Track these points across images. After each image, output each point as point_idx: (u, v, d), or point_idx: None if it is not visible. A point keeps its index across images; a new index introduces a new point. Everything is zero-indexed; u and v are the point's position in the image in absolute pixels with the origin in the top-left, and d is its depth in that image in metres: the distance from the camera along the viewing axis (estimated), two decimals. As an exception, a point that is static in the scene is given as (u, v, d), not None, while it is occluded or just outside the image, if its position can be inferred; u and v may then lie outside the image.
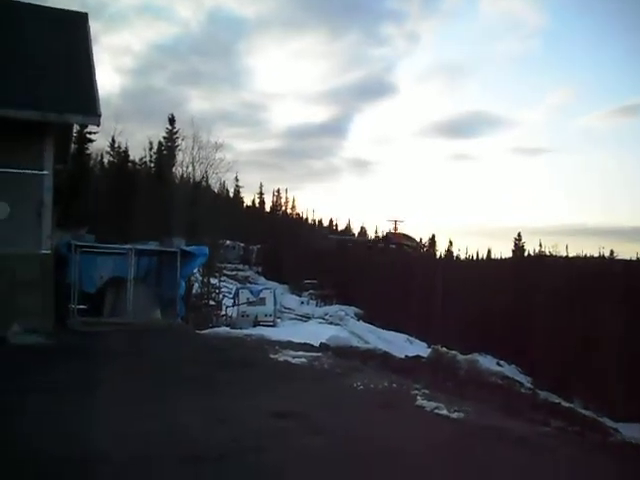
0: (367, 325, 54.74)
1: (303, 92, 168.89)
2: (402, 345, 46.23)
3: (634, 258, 73.97)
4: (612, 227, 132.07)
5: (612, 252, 76.09)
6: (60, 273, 15.83)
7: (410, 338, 53.96)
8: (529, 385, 38.07)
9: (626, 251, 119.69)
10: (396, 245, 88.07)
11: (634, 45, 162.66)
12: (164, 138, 53.07)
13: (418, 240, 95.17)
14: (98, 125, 16.85)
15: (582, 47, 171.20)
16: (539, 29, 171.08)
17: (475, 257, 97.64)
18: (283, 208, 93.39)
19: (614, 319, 52.74)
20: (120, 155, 55.61)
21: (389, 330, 54.16)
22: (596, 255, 78.84)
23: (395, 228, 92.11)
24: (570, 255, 79.71)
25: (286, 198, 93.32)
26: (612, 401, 44.83)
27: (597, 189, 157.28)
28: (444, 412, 9.00)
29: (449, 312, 68.01)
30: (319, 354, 14.73)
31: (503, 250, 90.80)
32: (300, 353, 14.30)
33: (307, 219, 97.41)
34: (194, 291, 41.75)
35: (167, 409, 8.29)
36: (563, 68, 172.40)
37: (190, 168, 48.10)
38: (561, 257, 77.58)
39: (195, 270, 33.01)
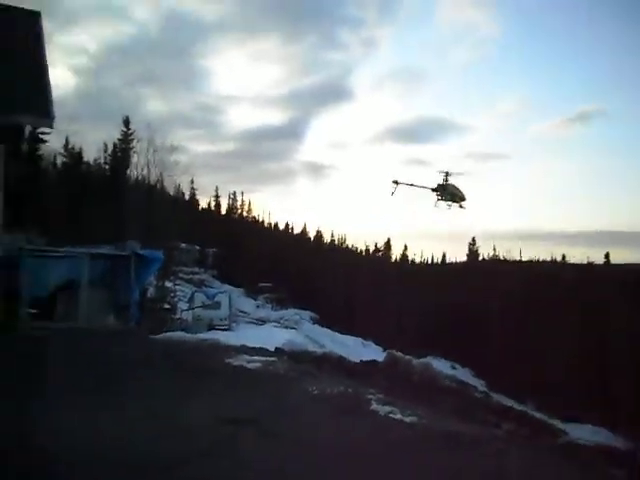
0: (323, 329, 54.77)
1: (260, 95, 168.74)
2: (358, 349, 46.38)
3: (584, 262, 75.47)
4: (564, 232, 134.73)
5: (564, 257, 77.67)
6: (10, 277, 15.50)
7: (366, 342, 54.15)
8: (482, 388, 38.60)
9: (578, 255, 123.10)
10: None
11: (584, 54, 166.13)
12: (119, 140, 52.40)
13: (373, 244, 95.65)
14: (51, 127, 16.48)
15: (534, 56, 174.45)
16: (493, 37, 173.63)
17: (430, 261, 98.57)
18: (239, 211, 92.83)
19: (566, 322, 53.66)
20: (74, 156, 54.74)
21: (345, 334, 54.30)
22: (549, 259, 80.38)
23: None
24: (523, 259, 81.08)
25: (242, 201, 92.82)
26: (564, 403, 45.58)
27: (549, 195, 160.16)
28: (398, 416, 9.05)
29: (405, 316, 68.49)
30: (274, 359, 14.67)
31: (458, 254, 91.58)
32: (255, 358, 14.21)
33: (263, 222, 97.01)
34: (148, 295, 41.24)
35: (115, 416, 8.13)
36: (516, 76, 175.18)
37: (145, 170, 47.51)
38: (515, 261, 78.83)
39: (151, 277, 32.62)
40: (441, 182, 31.00)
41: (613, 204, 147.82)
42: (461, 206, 31.42)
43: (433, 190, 30.99)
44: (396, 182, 31.27)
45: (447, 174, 31.01)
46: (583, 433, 35.80)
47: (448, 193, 30.95)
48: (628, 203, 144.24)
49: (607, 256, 66.98)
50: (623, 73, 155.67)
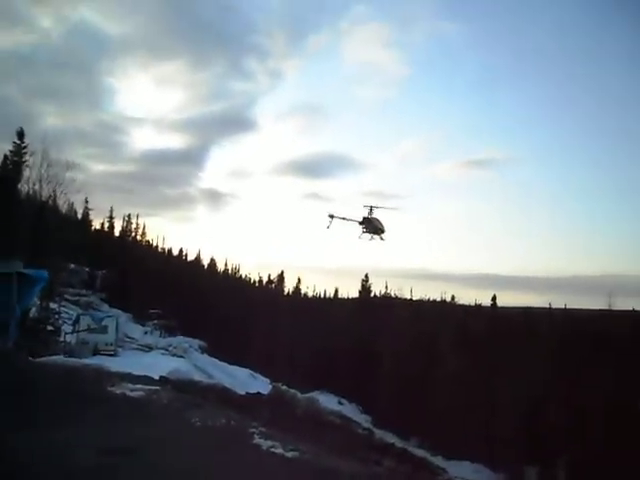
0: (212, 359, 53.97)
1: (163, 119, 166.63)
2: (245, 380, 45.91)
3: (472, 304, 77.77)
4: (454, 273, 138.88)
5: (453, 297, 79.79)
6: None
7: (254, 374, 53.67)
8: (367, 425, 39.04)
9: (466, 296, 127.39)
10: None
11: (485, 101, 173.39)
12: (10, 152, 50.23)
13: (267, 276, 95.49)
14: None
15: (434, 101, 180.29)
16: (398, 79, 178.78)
17: (323, 295, 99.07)
18: (133, 234, 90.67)
19: (452, 359, 55.00)
20: (-43, 167, 52.22)
21: (234, 365, 53.66)
22: (439, 299, 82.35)
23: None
24: (414, 298, 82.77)
25: (137, 224, 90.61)
26: (446, 440, 46.50)
27: (441, 236, 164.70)
28: (279, 451, 8.95)
29: (296, 349, 68.42)
30: (158, 387, 14.32)
31: (350, 290, 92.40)
32: (139, 386, 13.81)
33: (157, 247, 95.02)
34: (31, 315, 39.47)
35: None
36: (416, 119, 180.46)
37: (37, 186, 45.76)
38: (406, 299, 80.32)
39: (35, 297, 31.21)
40: (366, 215, 32.70)
41: (501, 248, 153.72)
42: (382, 238, 33.25)
43: (360, 223, 32.61)
44: (332, 216, 32.61)
45: (372, 208, 32.80)
46: (463, 471, 36.71)
47: (372, 226, 32.63)
48: (515, 248, 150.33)
49: (494, 298, 69.24)
50: (518, 122, 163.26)
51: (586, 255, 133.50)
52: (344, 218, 33.50)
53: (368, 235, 33.07)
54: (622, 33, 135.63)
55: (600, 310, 55.42)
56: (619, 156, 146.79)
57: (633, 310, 60.60)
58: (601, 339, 46.88)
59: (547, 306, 67.47)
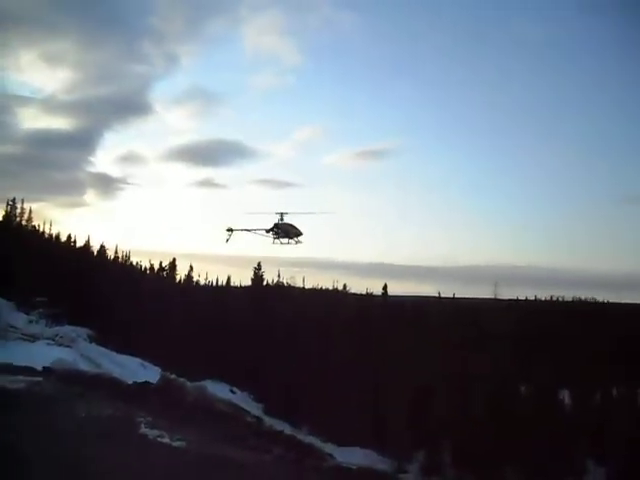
0: (100, 348, 52.47)
1: (51, 98, 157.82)
2: (135, 370, 44.90)
3: (364, 292, 79.16)
4: (347, 262, 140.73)
5: (345, 286, 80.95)
6: None
7: (145, 363, 52.57)
8: (257, 413, 39.06)
9: (358, 286, 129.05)
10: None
11: (377, 94, 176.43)
12: None
13: (158, 264, 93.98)
14: None
15: (330, 89, 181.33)
16: (294, 67, 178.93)
17: (215, 283, 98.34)
18: (17, 219, 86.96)
19: (345, 347, 55.75)
20: None
21: (124, 354, 52.50)
22: (331, 288, 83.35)
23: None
24: (307, 287, 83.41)
25: (22, 209, 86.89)
26: (337, 428, 47.17)
27: (335, 225, 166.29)
28: (166, 440, 8.90)
29: (187, 337, 67.65)
30: (41, 379, 13.83)
31: (243, 279, 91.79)
32: (20, 377, 13.31)
33: (43, 233, 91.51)
34: None
35: None
36: (312, 107, 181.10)
37: None
38: (298, 288, 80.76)
39: None
40: (277, 221, 32.22)
41: (391, 238, 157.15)
42: (298, 241, 32.91)
43: (268, 231, 32.02)
44: (230, 230, 31.59)
45: (282, 214, 32.39)
46: (352, 456, 37.34)
47: (283, 231, 32.15)
48: (407, 238, 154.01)
49: (385, 287, 70.69)
50: (416, 113, 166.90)
51: (474, 246, 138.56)
52: (246, 229, 32.85)
53: (281, 240, 32.90)
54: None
55: (486, 299, 57.72)
56: (513, 145, 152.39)
57: (517, 299, 63.67)
58: (487, 327, 48.91)
59: (437, 295, 69.69)
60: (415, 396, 46.62)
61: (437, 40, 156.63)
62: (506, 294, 60.07)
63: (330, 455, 13.58)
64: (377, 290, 73.22)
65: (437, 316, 60.08)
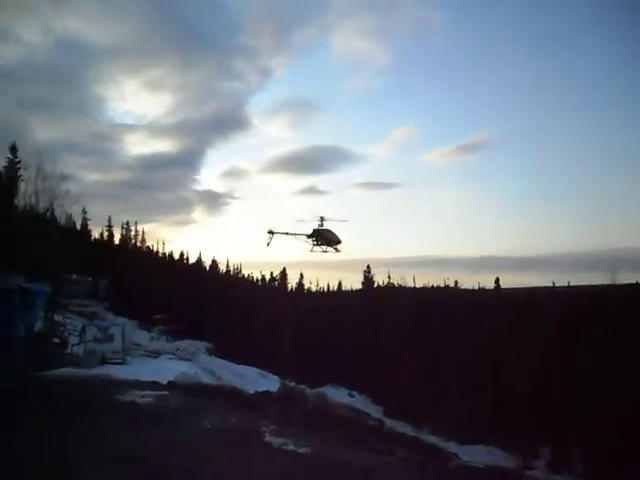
0: (219, 360, 53.92)
1: (154, 123, 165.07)
2: (254, 379, 45.89)
3: (476, 287, 77.87)
4: (457, 258, 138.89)
5: (456, 282, 79.78)
6: None
7: (263, 372, 53.64)
8: (378, 415, 39.00)
9: (470, 281, 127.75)
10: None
11: (470, 87, 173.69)
12: (4, 167, 50.10)
13: (269, 274, 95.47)
14: None
15: (424, 88, 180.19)
16: (385, 69, 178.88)
17: (326, 289, 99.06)
18: (132, 241, 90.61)
19: (459, 346, 54.98)
20: (-46, 186, 52.07)
21: (242, 364, 53.67)
22: (442, 285, 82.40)
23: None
24: (417, 286, 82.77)
25: (136, 231, 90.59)
26: (458, 426, 46.62)
27: (439, 222, 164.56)
28: (291, 447, 8.97)
29: (302, 344, 68.46)
30: (167, 392, 14.31)
31: (353, 282, 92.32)
32: (147, 392, 13.81)
33: (157, 253, 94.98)
34: (36, 329, 39.42)
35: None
36: (407, 107, 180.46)
37: (33, 199, 45.66)
38: (409, 288, 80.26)
39: (39, 311, 31.24)
40: (316, 227, 31.70)
41: (500, 231, 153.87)
42: (336, 249, 32.27)
43: (308, 237, 31.65)
44: (271, 232, 31.82)
45: (322, 219, 31.77)
46: (476, 454, 36.75)
47: (323, 238, 31.60)
48: (513, 230, 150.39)
49: (497, 281, 69.28)
50: (508, 104, 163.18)
51: (589, 232, 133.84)
52: (287, 233, 32.52)
53: (320, 248, 32.24)
54: (610, 18, 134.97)
55: (603, 285, 55.11)
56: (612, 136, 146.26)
57: (637, 283, 60.60)
58: (604, 314, 46.64)
59: (550, 285, 67.60)
60: (536, 390, 45.36)
61: (526, 31, 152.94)
62: (624, 279, 57.02)
63: (455, 454, 13.35)
64: (489, 284, 72.02)
65: (552, 305, 58.12)
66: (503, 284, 69.92)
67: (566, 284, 65.55)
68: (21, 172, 48.01)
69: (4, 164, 49.33)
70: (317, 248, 32.18)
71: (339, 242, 32.22)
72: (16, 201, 47.81)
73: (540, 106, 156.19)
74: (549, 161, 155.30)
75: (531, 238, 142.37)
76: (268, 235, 32.23)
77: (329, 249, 32.27)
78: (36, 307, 21.58)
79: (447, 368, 55.04)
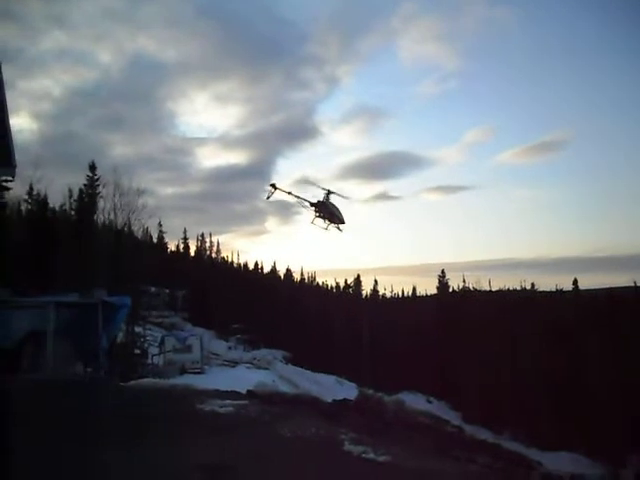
0: (296, 368, 54.38)
1: (225, 136, 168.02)
2: (332, 387, 46.06)
3: (554, 289, 76.17)
4: (533, 260, 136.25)
5: (533, 285, 78.11)
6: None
7: (340, 380, 53.78)
8: (457, 422, 38.47)
9: (547, 283, 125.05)
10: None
11: (543, 85, 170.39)
12: (84, 185, 51.72)
13: (343, 281, 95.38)
14: (13, 177, 16.28)
15: (494, 88, 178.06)
16: (454, 71, 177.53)
17: (401, 295, 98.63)
18: (208, 252, 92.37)
19: (539, 350, 53.89)
20: (39, 203, 53.99)
21: (319, 372, 53.94)
22: (518, 288, 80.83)
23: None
24: (493, 289, 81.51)
25: (210, 242, 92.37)
26: (540, 431, 45.58)
27: (516, 223, 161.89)
28: (371, 456, 8.95)
29: (378, 351, 68.27)
30: (246, 402, 14.48)
31: (428, 287, 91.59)
32: (227, 402, 14.00)
33: (232, 263, 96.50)
34: (118, 341, 40.56)
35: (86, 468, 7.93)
36: (478, 108, 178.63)
37: (112, 215, 47.11)
38: (485, 291, 79.14)
39: (121, 324, 32.09)
40: (322, 199, 30.55)
41: (578, 231, 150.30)
42: (338, 228, 31.09)
43: (312, 205, 30.50)
44: (273, 186, 30.71)
45: (329, 192, 30.80)
46: (560, 462, 35.83)
47: (327, 212, 30.47)
48: (592, 229, 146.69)
49: (575, 282, 67.68)
50: (585, 103, 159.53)
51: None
52: (290, 193, 31.21)
53: (322, 221, 30.86)
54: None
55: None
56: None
57: None
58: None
59: (631, 285, 65.47)
60: (624, 395, 43.90)
61: (595, 25, 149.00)
62: None
63: (538, 462, 13.06)
64: (567, 286, 70.27)
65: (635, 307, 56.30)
66: (581, 285, 68.27)
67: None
68: (100, 189, 49.63)
69: (84, 182, 51.05)
70: (318, 221, 30.95)
71: (342, 222, 31.13)
72: (96, 217, 49.43)
73: (619, 104, 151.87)
74: (628, 159, 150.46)
75: (610, 238, 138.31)
76: (269, 188, 31.13)
77: (331, 226, 31.08)
78: (118, 320, 22.04)
79: (526, 371, 53.97)
